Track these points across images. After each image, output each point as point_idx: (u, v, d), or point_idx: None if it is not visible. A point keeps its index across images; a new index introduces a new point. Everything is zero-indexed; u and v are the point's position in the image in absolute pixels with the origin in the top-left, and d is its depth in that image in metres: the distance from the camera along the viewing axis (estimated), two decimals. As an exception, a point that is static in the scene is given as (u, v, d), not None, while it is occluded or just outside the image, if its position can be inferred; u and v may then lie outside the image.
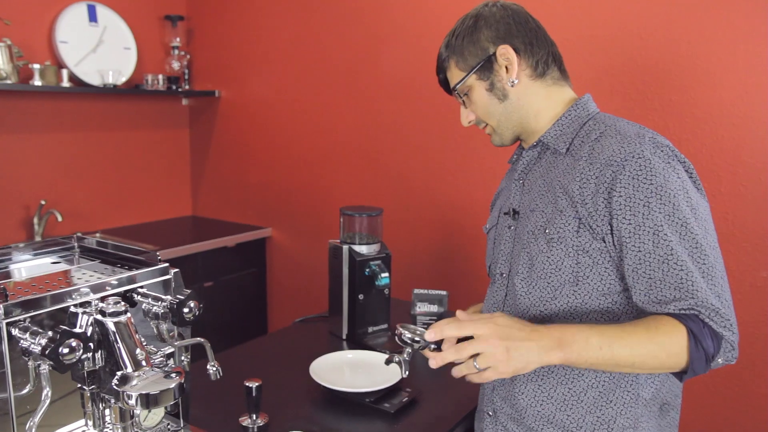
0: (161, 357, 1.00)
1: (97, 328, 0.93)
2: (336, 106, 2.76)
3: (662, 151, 1.02)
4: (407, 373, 1.07)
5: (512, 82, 1.13)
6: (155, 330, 1.06)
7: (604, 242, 1.03)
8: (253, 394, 1.25)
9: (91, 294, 0.97)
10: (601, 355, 0.93)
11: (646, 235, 0.97)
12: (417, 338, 1.04)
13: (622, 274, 1.03)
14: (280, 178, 3.05)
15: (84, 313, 0.94)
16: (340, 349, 1.70)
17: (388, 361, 1.08)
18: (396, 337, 1.07)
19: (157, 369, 0.92)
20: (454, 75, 1.18)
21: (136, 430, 1.02)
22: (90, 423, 1.01)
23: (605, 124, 1.09)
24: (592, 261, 1.04)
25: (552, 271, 1.07)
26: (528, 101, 1.15)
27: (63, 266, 1.16)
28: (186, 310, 1.00)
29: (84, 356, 0.87)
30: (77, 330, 0.88)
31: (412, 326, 1.08)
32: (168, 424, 1.14)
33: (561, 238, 1.06)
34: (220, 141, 3.28)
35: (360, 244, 1.74)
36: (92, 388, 0.98)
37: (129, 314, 0.94)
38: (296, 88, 2.90)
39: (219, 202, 3.35)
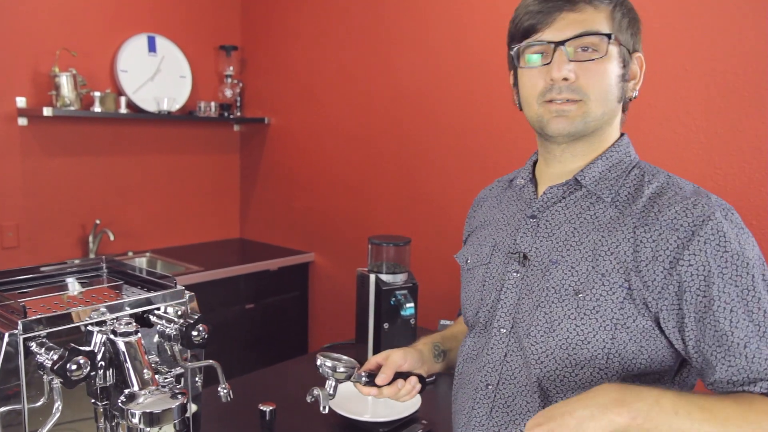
0: (171, 378, 1.04)
1: (109, 347, 0.97)
2: (379, 135, 2.80)
3: (733, 214, 0.89)
4: (326, 409, 1.02)
5: (636, 94, 0.99)
6: (168, 351, 1.10)
7: (654, 321, 0.89)
8: (267, 418, 1.27)
9: (107, 314, 1.02)
10: (677, 422, 0.77)
11: (721, 313, 0.84)
12: (341, 368, 1.01)
13: (674, 355, 0.91)
14: (323, 204, 3.10)
15: (99, 331, 0.99)
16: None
17: (309, 395, 1.03)
18: (318, 368, 1.02)
19: (163, 389, 0.95)
20: (600, 21, 0.93)
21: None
22: (102, 438, 1.05)
23: (658, 178, 0.95)
24: (629, 338, 0.89)
25: (579, 342, 0.91)
26: (615, 120, 1.00)
27: (88, 286, 1.22)
28: (195, 333, 1.03)
29: (93, 373, 0.91)
30: (87, 348, 0.92)
31: (335, 355, 1.04)
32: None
33: (598, 307, 0.90)
34: (268, 166, 3.37)
35: (387, 273, 1.75)
36: (105, 404, 1.02)
37: (139, 335, 0.98)
38: (341, 117, 2.96)
39: (265, 226, 3.44)
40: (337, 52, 2.94)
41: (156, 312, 1.09)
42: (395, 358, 1.10)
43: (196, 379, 1.16)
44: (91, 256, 2.89)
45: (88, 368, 0.90)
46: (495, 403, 1.01)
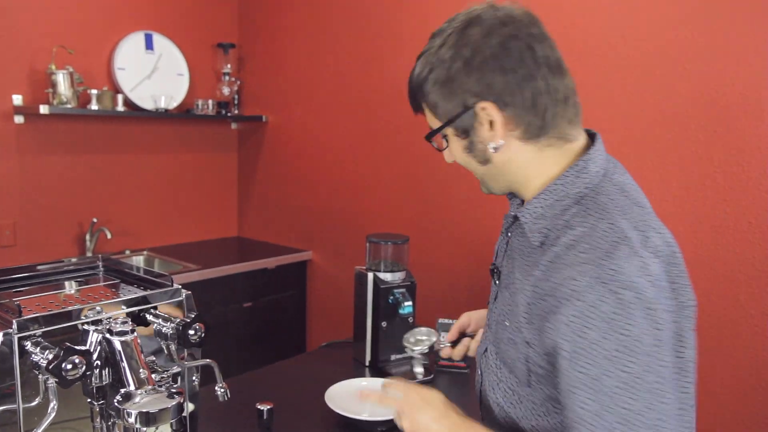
0: (167, 377, 1.03)
1: (105, 346, 0.97)
2: (377, 132, 2.80)
3: (625, 292, 0.76)
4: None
5: (494, 147, 0.90)
6: (165, 350, 1.09)
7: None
8: (264, 417, 1.26)
9: (103, 312, 1.01)
10: None
11: (564, 391, 0.83)
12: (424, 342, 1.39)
13: None
14: (321, 202, 3.10)
15: (95, 330, 0.98)
16: (362, 375, 1.70)
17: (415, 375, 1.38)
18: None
19: (159, 388, 0.94)
20: (428, 118, 0.97)
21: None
22: (99, 438, 1.04)
23: (585, 224, 0.84)
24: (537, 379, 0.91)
25: (510, 364, 0.95)
26: (516, 167, 0.92)
27: (84, 285, 1.21)
28: (191, 332, 1.02)
29: (88, 372, 0.91)
30: (82, 347, 0.91)
31: (417, 330, 1.44)
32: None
33: (512, 340, 0.93)
34: (266, 164, 3.36)
35: (385, 271, 1.75)
36: (101, 404, 1.01)
37: (135, 333, 0.97)
38: (339, 114, 2.95)
39: (264, 224, 3.43)
40: (335, 49, 2.93)
41: (152, 311, 1.08)
42: (462, 320, 1.33)
43: (194, 378, 1.16)
44: (89, 254, 2.88)
45: (84, 368, 0.89)
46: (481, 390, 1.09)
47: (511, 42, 0.86)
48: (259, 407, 1.26)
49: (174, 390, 0.94)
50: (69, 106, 2.64)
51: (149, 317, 1.07)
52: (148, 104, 2.95)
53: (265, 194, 3.39)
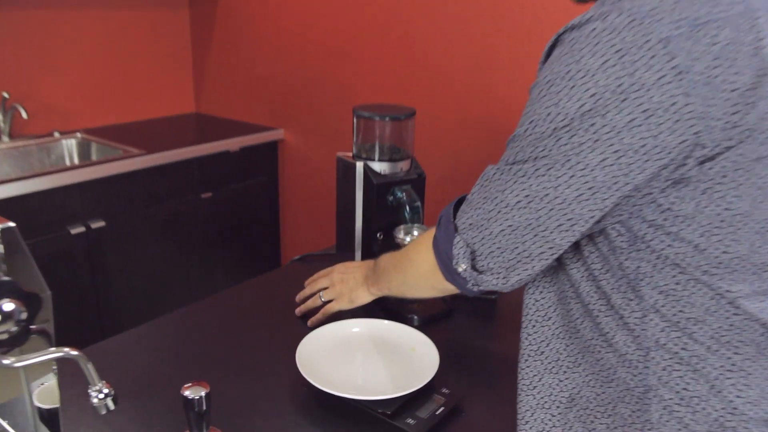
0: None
1: None
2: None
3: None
4: None
5: None
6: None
7: None
8: (196, 409, 0.78)
9: None
10: (382, 275, 1.00)
11: None
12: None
13: None
14: (296, 71, 2.49)
15: None
16: (350, 309, 1.20)
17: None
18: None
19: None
20: None
21: None
22: None
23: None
24: None
25: None
26: None
27: None
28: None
29: None
30: None
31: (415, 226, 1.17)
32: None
33: None
34: (227, 23, 2.70)
35: (381, 160, 1.22)
36: None
37: None
38: (312, -49, 2.28)
39: (225, 98, 2.83)
40: None
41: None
42: None
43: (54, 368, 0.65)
44: (4, 138, 2.30)
45: None
46: None
47: None
48: (187, 395, 0.77)
49: None
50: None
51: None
52: (59, -62, 2.24)
53: (227, 60, 2.76)
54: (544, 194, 0.64)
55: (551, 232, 0.66)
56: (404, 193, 1.20)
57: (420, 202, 1.21)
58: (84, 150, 2.46)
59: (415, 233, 1.19)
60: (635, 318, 0.66)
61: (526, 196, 0.65)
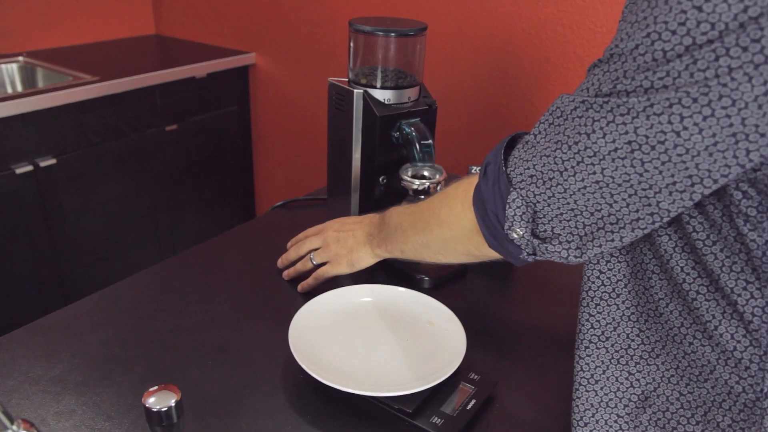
0: None
1: None
2: None
3: None
4: None
5: None
6: None
7: None
8: (164, 423, 0.59)
9: None
10: (400, 236, 0.82)
11: None
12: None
13: None
14: (265, -17, 2.19)
15: None
16: (355, 278, 0.99)
17: None
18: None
19: None
20: None
21: None
22: None
23: None
24: None
25: None
26: None
27: None
28: None
29: None
30: None
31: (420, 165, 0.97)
32: None
33: None
34: (184, -72, 2.37)
35: (385, 87, 0.99)
36: None
37: None
38: None
39: (190, 17, 2.52)
40: None
41: None
42: None
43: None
44: (-68, 62, 1.99)
45: None
46: None
47: None
48: (149, 406, 0.58)
49: None
50: None
51: None
52: None
53: (187, -27, 2.44)
54: (658, 141, 0.44)
55: (658, 193, 0.47)
56: (412, 128, 0.99)
57: (431, 138, 1.00)
58: (28, 76, 2.17)
59: (426, 174, 0.99)
60: (754, 307, 0.48)
61: (629, 142, 0.45)
